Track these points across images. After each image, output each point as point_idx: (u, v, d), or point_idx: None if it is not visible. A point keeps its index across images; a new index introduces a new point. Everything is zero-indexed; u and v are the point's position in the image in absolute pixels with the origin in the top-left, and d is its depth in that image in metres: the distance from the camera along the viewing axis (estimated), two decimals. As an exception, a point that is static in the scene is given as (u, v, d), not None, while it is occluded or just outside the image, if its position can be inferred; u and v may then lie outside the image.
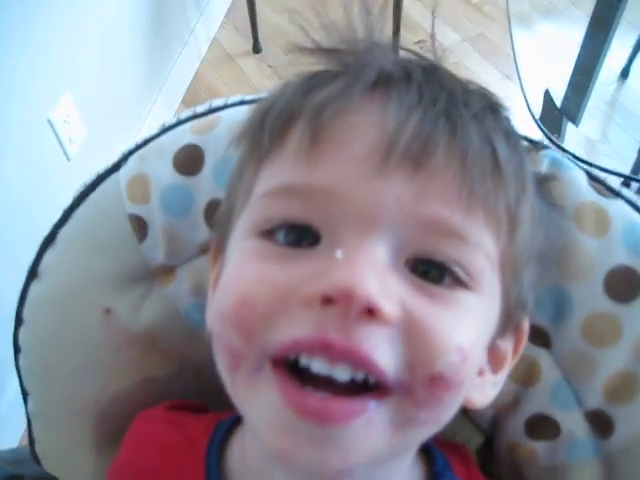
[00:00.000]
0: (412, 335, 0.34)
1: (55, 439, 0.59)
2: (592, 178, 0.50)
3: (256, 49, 2.21)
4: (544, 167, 0.49)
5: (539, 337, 0.50)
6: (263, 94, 0.47)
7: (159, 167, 0.54)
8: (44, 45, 1.29)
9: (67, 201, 0.56)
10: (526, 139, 0.50)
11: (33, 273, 0.55)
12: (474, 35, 2.34)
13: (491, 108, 0.40)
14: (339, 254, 0.34)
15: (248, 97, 0.57)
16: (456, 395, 0.37)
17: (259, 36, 2.18)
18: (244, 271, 0.38)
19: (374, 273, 0.34)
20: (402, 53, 0.42)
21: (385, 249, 0.35)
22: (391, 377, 0.34)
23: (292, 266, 0.36)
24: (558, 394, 0.50)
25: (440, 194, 0.36)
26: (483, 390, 0.44)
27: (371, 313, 0.33)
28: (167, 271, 0.55)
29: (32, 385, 0.57)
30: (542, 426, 0.51)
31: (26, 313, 0.56)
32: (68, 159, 1.43)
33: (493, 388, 0.44)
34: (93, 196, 0.55)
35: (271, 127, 0.39)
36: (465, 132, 0.36)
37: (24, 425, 0.59)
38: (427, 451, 0.48)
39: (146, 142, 0.56)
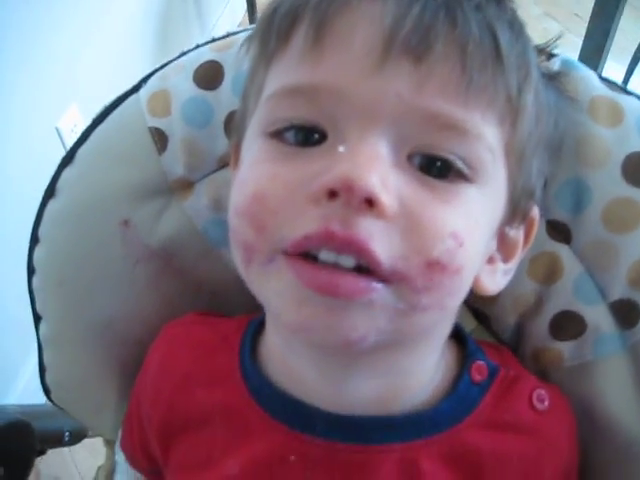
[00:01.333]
0: (409, 227, 0.36)
1: (67, 365, 0.58)
2: (603, 79, 0.51)
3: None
4: (556, 67, 0.51)
5: (559, 232, 0.51)
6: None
7: (180, 82, 0.55)
8: (52, 55, 1.32)
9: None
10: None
11: (50, 192, 0.55)
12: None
13: (497, 1, 0.40)
14: (342, 149, 0.36)
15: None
16: (456, 279, 0.38)
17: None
18: (257, 170, 0.39)
19: (374, 166, 0.35)
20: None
21: (386, 143, 0.36)
22: (385, 264, 0.36)
23: (301, 164, 0.37)
24: (581, 288, 0.50)
25: (440, 87, 0.36)
26: (493, 277, 0.44)
27: (370, 204, 0.35)
28: (186, 185, 0.55)
29: (45, 306, 0.56)
30: (567, 324, 0.51)
31: (42, 230, 0.55)
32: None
33: (504, 276, 0.45)
34: (112, 115, 0.56)
35: (278, 26, 0.40)
36: (465, 23, 0.37)
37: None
38: (460, 339, 0.48)
39: (164, 65, 0.57)
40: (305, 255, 0.36)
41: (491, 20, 0.38)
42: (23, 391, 1.27)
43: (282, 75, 0.40)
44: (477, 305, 0.55)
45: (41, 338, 0.57)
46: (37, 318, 0.57)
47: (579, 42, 1.62)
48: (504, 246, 0.45)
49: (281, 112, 0.39)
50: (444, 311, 0.40)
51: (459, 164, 0.37)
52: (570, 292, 0.51)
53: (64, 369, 0.58)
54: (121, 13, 1.64)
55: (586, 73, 0.51)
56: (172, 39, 1.96)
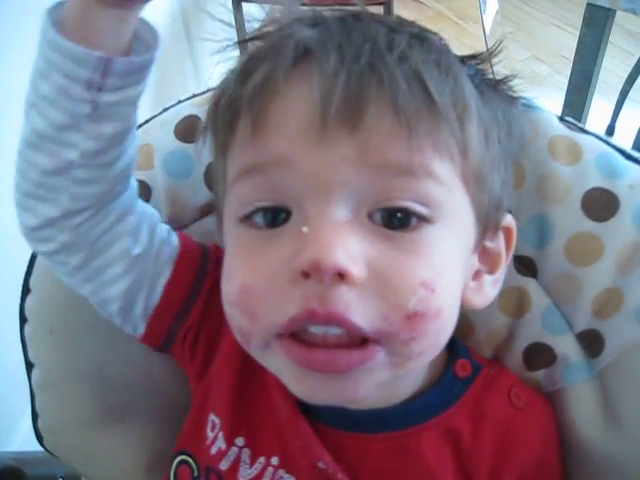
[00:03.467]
0: (381, 288, 0.38)
1: (59, 411, 0.59)
2: (562, 119, 0.54)
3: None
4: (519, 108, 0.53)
5: (526, 267, 0.53)
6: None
7: (162, 136, 0.58)
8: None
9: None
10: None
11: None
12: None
13: (419, 38, 0.42)
14: (305, 229, 0.39)
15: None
16: (439, 321, 0.40)
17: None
18: (238, 262, 0.43)
19: (338, 240, 0.38)
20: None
21: (345, 209, 0.39)
22: (366, 330, 0.38)
23: (275, 249, 0.40)
24: (549, 320, 0.52)
25: (382, 144, 0.38)
26: (481, 291, 0.47)
27: (341, 277, 0.37)
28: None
29: (37, 353, 0.58)
30: (538, 355, 0.53)
31: (33, 281, 0.58)
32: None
33: (493, 286, 0.48)
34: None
35: (222, 120, 0.44)
36: (392, 79, 0.38)
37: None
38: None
39: (148, 120, 0.60)
40: (295, 333, 0.39)
41: (417, 67, 0.39)
42: (23, 440, 1.28)
43: (236, 161, 0.43)
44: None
45: (33, 385, 0.59)
46: (29, 365, 0.59)
47: (566, 82, 1.67)
48: (487, 258, 0.47)
49: (245, 196, 0.42)
50: (438, 349, 0.43)
51: (418, 208, 0.40)
52: (539, 324, 0.53)
53: (55, 415, 0.60)
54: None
55: (546, 115, 0.54)
56: (168, 96, 2.01)
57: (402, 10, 2.74)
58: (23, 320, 0.58)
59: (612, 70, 2.20)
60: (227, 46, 0.46)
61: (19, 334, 0.59)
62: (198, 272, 0.52)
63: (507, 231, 0.48)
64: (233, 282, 0.42)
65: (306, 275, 0.37)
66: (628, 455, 0.49)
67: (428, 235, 0.40)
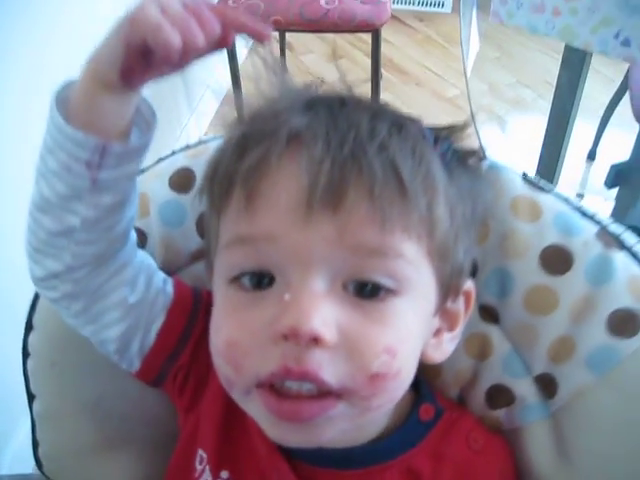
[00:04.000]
0: (349, 351, 0.44)
1: (59, 440, 0.64)
2: (526, 179, 0.59)
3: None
4: (484, 170, 0.58)
5: (489, 315, 0.58)
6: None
7: (157, 187, 0.63)
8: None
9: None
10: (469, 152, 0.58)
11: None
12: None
13: (398, 127, 0.47)
14: (287, 296, 0.44)
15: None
16: (397, 380, 0.46)
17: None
18: (226, 319, 0.48)
19: (315, 308, 0.43)
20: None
21: (322, 281, 0.44)
22: (334, 386, 0.44)
23: (259, 310, 0.46)
24: (509, 364, 0.57)
25: (358, 226, 0.44)
26: (440, 347, 0.52)
27: (316, 341, 0.43)
28: (163, 278, 0.63)
29: (39, 385, 0.63)
30: (499, 396, 0.58)
31: (36, 319, 0.62)
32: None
33: (451, 342, 0.53)
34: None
35: (218, 188, 0.49)
36: (370, 168, 0.43)
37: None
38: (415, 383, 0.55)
39: (143, 170, 0.65)
40: (274, 385, 0.45)
41: (394, 157, 0.44)
42: (11, 464, 1.32)
43: (229, 228, 0.48)
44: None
45: (34, 415, 0.64)
46: (31, 397, 0.63)
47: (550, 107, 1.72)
48: (447, 317, 0.53)
49: (234, 260, 0.48)
50: (394, 401, 0.49)
51: (386, 282, 0.45)
52: (500, 367, 0.58)
53: (55, 444, 0.64)
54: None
55: (510, 175, 0.59)
56: (160, 114, 2.06)
57: (392, 34, 2.80)
58: (26, 355, 0.63)
59: (594, 96, 2.25)
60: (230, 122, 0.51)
61: (22, 368, 0.63)
62: (190, 318, 0.57)
63: (467, 294, 0.54)
64: (220, 336, 0.47)
65: (285, 337, 0.43)
66: (577, 490, 0.54)
67: (394, 306, 0.46)
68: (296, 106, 0.47)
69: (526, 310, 0.56)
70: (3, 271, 1.19)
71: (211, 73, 2.49)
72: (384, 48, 2.18)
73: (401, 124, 0.48)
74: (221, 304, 0.49)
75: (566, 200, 0.58)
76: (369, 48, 2.05)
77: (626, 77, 1.88)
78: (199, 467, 0.56)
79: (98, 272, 0.52)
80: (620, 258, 0.54)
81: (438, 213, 0.47)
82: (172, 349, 0.57)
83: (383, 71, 2.41)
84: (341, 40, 2.80)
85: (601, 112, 2.14)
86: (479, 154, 0.55)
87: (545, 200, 0.57)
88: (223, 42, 0.44)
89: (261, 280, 0.46)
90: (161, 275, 0.58)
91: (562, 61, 1.31)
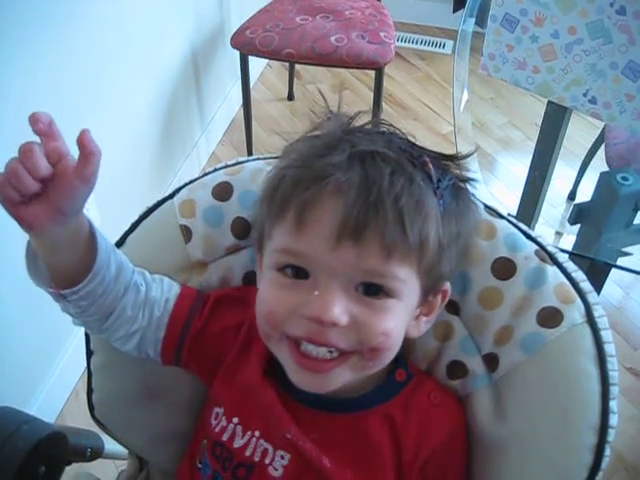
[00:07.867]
0: (357, 330, 0.62)
1: (110, 387, 0.82)
2: (486, 207, 0.78)
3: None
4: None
5: (452, 307, 0.76)
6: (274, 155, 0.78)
7: (202, 195, 0.81)
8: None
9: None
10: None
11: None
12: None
13: (410, 181, 0.61)
14: (316, 292, 0.61)
15: (263, 156, 0.85)
16: (389, 352, 0.65)
17: (253, 153, 2.49)
18: (270, 294, 0.66)
19: (335, 304, 0.60)
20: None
21: (342, 285, 0.61)
22: (346, 348, 0.63)
23: (295, 294, 0.63)
24: (465, 345, 0.76)
25: (370, 256, 0.60)
26: (418, 327, 0.71)
27: (334, 324, 0.60)
28: (202, 265, 0.81)
29: (97, 344, 0.80)
30: (456, 369, 0.76)
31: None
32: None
33: (426, 324, 0.72)
34: (155, 213, 0.81)
35: (276, 206, 0.64)
36: (385, 217, 0.59)
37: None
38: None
39: (192, 181, 0.83)
40: (299, 344, 0.63)
41: (402, 210, 0.59)
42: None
43: (281, 238, 0.64)
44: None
45: (92, 368, 0.81)
46: (89, 353, 0.81)
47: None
48: (426, 307, 0.71)
49: (282, 259, 0.64)
50: (385, 364, 0.68)
51: (385, 289, 0.63)
52: (458, 348, 0.76)
53: (107, 390, 0.82)
54: (132, 108, 1.92)
55: (475, 203, 0.77)
56: (175, 132, 2.22)
57: (394, 70, 2.99)
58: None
59: (577, 140, 2.44)
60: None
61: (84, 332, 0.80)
62: (184, 328, 0.75)
63: (444, 292, 0.72)
64: (264, 306, 0.66)
65: (311, 320, 0.61)
66: (509, 440, 0.70)
67: (390, 304, 0.63)
68: (339, 161, 0.61)
69: (479, 305, 0.74)
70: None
71: (224, 95, 2.66)
72: (386, 83, 2.34)
73: (412, 179, 0.62)
74: (268, 283, 0.66)
75: (515, 225, 0.76)
76: (372, 82, 2.19)
77: (604, 126, 2.05)
78: (214, 422, 0.74)
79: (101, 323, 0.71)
80: (552, 270, 0.72)
81: (429, 245, 0.63)
82: (176, 348, 0.76)
83: (384, 104, 2.59)
84: (347, 73, 3.00)
85: (583, 155, 2.31)
86: (471, 182, 0.72)
87: (500, 224, 0.76)
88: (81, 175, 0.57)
89: (299, 272, 0.63)
90: (162, 302, 0.74)
91: (545, 110, 1.47)
